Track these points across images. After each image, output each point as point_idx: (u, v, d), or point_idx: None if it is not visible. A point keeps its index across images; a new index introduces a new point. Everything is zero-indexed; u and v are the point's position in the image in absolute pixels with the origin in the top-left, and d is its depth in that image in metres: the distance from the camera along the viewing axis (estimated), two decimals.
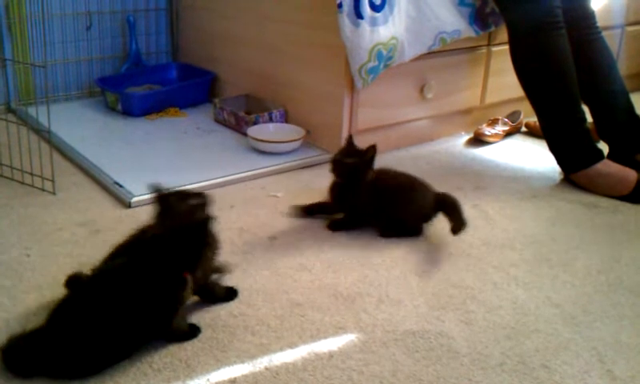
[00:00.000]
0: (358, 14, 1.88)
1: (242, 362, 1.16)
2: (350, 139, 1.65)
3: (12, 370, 1.10)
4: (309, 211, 1.72)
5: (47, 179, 1.82)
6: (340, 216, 1.68)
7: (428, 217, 1.65)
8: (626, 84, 2.09)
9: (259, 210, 1.77)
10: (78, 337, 1.09)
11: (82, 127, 2.33)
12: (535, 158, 2.22)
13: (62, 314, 1.11)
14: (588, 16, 2.07)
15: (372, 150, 1.60)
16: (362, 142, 1.66)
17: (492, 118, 2.43)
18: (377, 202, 1.61)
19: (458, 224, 1.57)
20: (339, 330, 1.26)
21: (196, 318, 1.27)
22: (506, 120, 2.42)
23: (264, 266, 1.49)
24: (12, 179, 1.89)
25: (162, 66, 2.78)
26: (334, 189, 1.66)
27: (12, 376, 1.09)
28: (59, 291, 1.26)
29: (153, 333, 1.18)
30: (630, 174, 1.91)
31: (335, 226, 1.67)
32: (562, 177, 2.04)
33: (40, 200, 1.78)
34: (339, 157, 1.62)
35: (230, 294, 1.35)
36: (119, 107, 2.48)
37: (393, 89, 2.14)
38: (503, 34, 2.15)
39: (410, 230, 1.64)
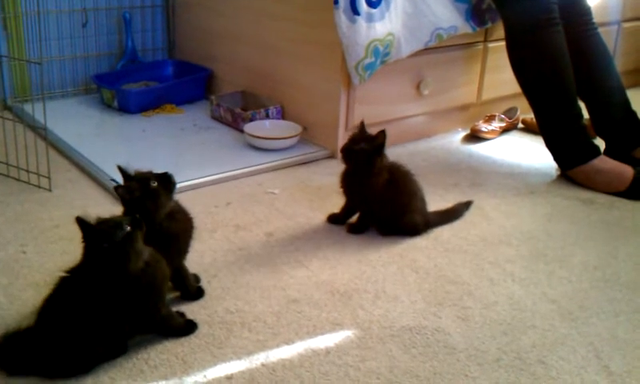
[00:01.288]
0: (355, 10, 1.88)
1: (239, 358, 1.16)
2: (361, 126, 1.61)
3: (6, 368, 1.09)
4: (335, 221, 1.69)
5: (43, 176, 1.82)
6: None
7: (427, 216, 1.65)
8: (623, 80, 2.09)
9: (256, 206, 1.77)
10: (61, 335, 1.07)
11: (78, 124, 2.32)
12: (532, 154, 2.22)
13: (46, 313, 1.10)
14: (584, 12, 2.07)
15: (381, 136, 1.56)
16: None
17: (489, 115, 2.43)
18: (388, 191, 1.58)
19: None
20: (336, 326, 1.26)
21: (192, 314, 1.27)
22: (503, 116, 2.42)
23: (260, 262, 1.48)
24: (8, 176, 1.88)
25: (158, 63, 2.78)
26: (345, 178, 1.63)
27: (6, 375, 1.09)
28: None
29: (143, 322, 1.15)
30: (627, 170, 1.91)
31: (355, 229, 1.64)
32: (558, 173, 2.05)
33: (36, 197, 1.78)
34: (349, 144, 1.58)
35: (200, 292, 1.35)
36: (115, 104, 2.47)
37: (389, 85, 2.14)
38: (500, 31, 2.15)
39: (411, 228, 1.62)
